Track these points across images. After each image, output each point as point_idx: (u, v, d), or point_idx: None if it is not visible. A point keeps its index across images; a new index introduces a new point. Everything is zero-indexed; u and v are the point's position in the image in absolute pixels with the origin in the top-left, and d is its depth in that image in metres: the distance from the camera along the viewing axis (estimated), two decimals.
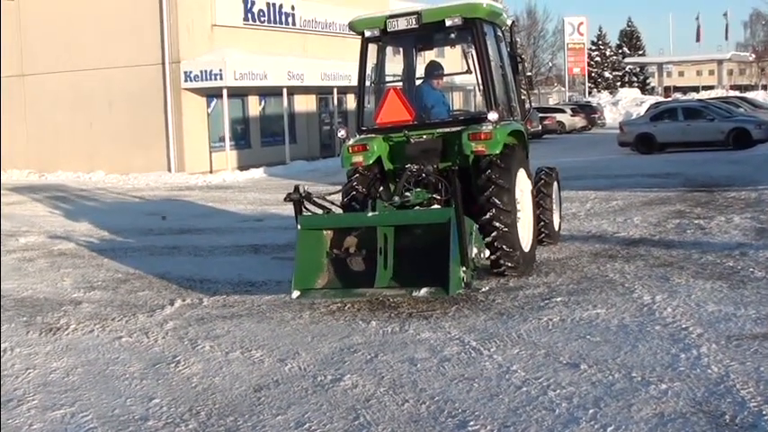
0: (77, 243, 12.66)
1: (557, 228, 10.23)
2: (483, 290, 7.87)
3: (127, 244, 12.49)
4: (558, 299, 7.48)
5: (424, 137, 8.67)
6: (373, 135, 8.81)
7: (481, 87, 8.62)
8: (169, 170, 25.64)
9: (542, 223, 9.65)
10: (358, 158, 8.58)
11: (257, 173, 25.66)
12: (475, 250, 7.38)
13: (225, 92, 25.71)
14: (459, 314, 7.11)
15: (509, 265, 8.21)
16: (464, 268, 6.95)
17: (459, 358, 5.94)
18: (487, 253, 7.78)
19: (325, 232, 7.68)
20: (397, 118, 8.64)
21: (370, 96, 9.30)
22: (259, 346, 6.59)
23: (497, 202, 8.03)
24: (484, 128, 8.25)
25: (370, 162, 8.61)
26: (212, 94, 26.36)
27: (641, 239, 10.38)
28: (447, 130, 8.70)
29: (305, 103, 31.10)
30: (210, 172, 25.89)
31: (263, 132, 29.17)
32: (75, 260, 11.13)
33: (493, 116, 8.27)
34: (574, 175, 18.42)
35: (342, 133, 8.84)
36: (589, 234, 11.01)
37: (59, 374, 6.11)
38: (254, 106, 28.94)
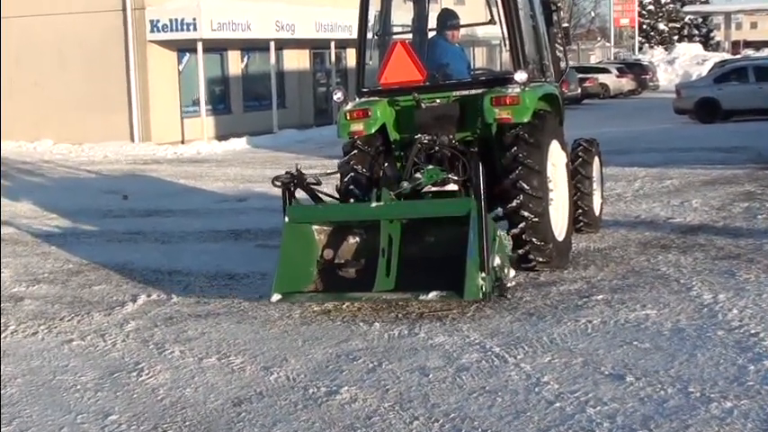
0: (18, 227, 12.69)
1: (597, 212, 10.19)
2: (508, 285, 7.86)
3: (80, 229, 12.50)
4: (600, 297, 7.46)
5: (438, 101, 8.61)
6: (376, 98, 8.75)
7: (507, 41, 8.57)
8: (132, 140, 25.65)
9: (579, 209, 9.62)
10: (357, 126, 8.52)
11: (239, 143, 25.65)
12: (497, 260, 7.23)
13: (200, 45, 25.66)
14: (480, 315, 7.11)
15: (540, 260, 8.20)
16: (483, 274, 6.87)
17: (480, 367, 5.93)
18: (512, 273, 7.70)
19: (315, 230, 7.68)
20: (406, 78, 8.59)
21: (373, 51, 9.25)
22: (239, 351, 6.59)
23: (525, 186, 7.97)
24: (510, 91, 8.20)
25: (372, 131, 8.55)
26: (184, 48, 26.31)
27: (701, 226, 10.35)
28: (465, 92, 8.66)
29: (296, 60, 31.06)
30: (182, 142, 25.90)
31: (245, 95, 29.15)
32: (15, 248, 11.16)
33: (521, 76, 8.20)
34: (619, 148, 18.36)
35: (338, 96, 8.74)
36: (637, 219, 10.98)
37: None
38: (236, 63, 28.91)
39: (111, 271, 9.60)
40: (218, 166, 20.53)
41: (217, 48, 27.33)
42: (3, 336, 7.29)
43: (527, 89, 8.25)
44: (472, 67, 10.64)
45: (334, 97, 8.80)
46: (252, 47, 28.66)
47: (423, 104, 8.55)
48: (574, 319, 6.87)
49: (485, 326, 6.84)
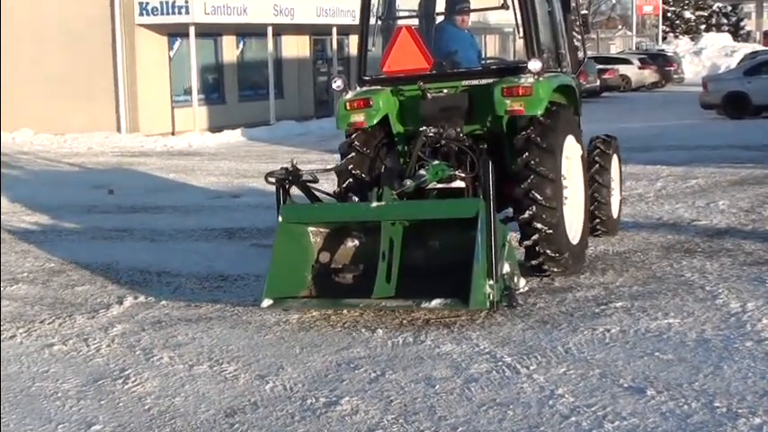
0: None
1: (615, 214, 10.17)
2: (521, 290, 7.86)
3: (62, 225, 12.52)
4: (619, 304, 7.47)
5: (445, 91, 8.60)
6: (379, 87, 8.72)
7: (520, 28, 8.55)
8: (119, 130, 25.67)
9: (596, 203, 9.58)
10: (358, 117, 8.48)
11: (233, 136, 25.68)
12: (507, 268, 7.17)
13: (192, 30, 25.68)
14: (491, 322, 7.12)
15: (555, 270, 8.23)
16: (491, 282, 6.86)
17: (490, 378, 5.93)
18: (523, 282, 7.62)
19: (311, 231, 7.65)
20: (411, 65, 8.58)
21: (376, 37, 9.23)
22: (233, 358, 6.60)
23: (538, 196, 7.92)
24: (522, 81, 8.16)
25: (374, 123, 8.52)
26: (176, 33, 26.33)
27: (728, 230, 10.35)
28: (475, 82, 8.63)
29: (296, 47, 31.07)
30: (172, 134, 25.92)
31: (241, 84, 29.17)
32: None
33: (535, 65, 8.16)
34: (641, 145, 18.35)
35: (338, 84, 8.73)
36: (660, 221, 10.98)
37: None
38: (231, 49, 28.91)
39: (96, 271, 9.61)
40: (211, 160, 20.54)
41: (210, 33, 27.34)
42: None
43: (541, 79, 8.21)
44: (483, 55, 10.65)
45: (334, 85, 8.79)
46: (248, 32, 28.67)
47: (429, 94, 8.51)
48: (591, 328, 6.87)
49: (495, 334, 6.84)
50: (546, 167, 7.98)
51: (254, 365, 6.42)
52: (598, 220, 9.70)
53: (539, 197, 7.93)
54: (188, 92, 26.60)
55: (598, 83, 38.37)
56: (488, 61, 10.45)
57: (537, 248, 8.03)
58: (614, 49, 68.61)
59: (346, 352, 6.61)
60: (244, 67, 29.32)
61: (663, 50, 53.74)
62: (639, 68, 43.93)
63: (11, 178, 18.19)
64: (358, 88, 8.86)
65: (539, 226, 7.95)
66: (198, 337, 7.13)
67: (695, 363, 6.04)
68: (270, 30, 28.15)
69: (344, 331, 7.10)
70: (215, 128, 26.54)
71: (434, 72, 8.67)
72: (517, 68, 8.55)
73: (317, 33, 31.36)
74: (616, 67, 42.66)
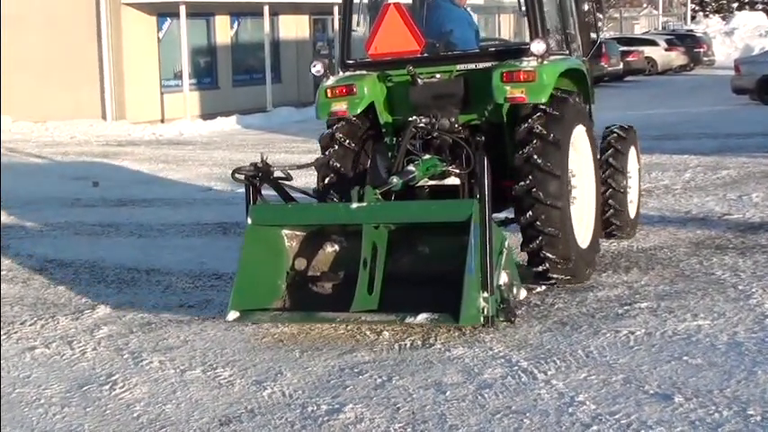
0: None
1: (633, 214, 9.88)
2: (538, 290, 7.86)
3: (43, 219, 12.55)
4: (644, 304, 7.47)
5: (438, 76, 8.34)
6: (364, 72, 8.50)
7: (523, 4, 8.36)
8: (104, 118, 25.73)
9: (611, 210, 9.35)
10: (340, 106, 8.22)
11: (227, 123, 25.72)
12: (504, 277, 6.89)
13: (182, 9, 25.72)
14: (505, 324, 7.12)
15: (561, 277, 7.96)
16: (485, 294, 6.63)
17: (505, 384, 5.94)
18: (523, 293, 7.33)
19: (286, 235, 7.46)
20: (399, 47, 8.34)
21: (361, 15, 9.02)
22: (227, 362, 6.62)
23: (541, 195, 7.62)
24: (524, 64, 7.89)
25: (358, 111, 8.26)
26: (165, 12, 26.37)
27: (762, 224, 10.34)
28: (472, 66, 8.36)
29: (294, 27, 31.09)
30: (162, 121, 25.98)
31: (235, 67, 29.20)
32: None
33: (538, 47, 7.88)
34: (668, 132, 18.34)
35: (317, 69, 8.45)
36: (688, 215, 10.98)
37: None
38: (224, 30, 28.94)
39: (80, 269, 9.64)
40: (204, 149, 20.57)
41: (202, 12, 27.39)
42: None
43: (545, 63, 7.91)
44: (481, 35, 10.25)
45: (313, 70, 8.49)
46: (243, 11, 28.71)
47: (419, 80, 8.22)
48: (613, 330, 6.87)
49: (510, 336, 6.85)
50: (550, 163, 7.67)
51: (251, 370, 6.42)
52: (613, 226, 9.47)
53: (542, 196, 7.62)
54: (178, 76, 26.65)
55: (621, 66, 38.38)
56: (487, 42, 10.08)
57: (541, 254, 7.77)
58: (639, 30, 68.48)
59: (350, 356, 6.61)
60: (238, 49, 29.36)
61: (691, 31, 53.72)
62: (666, 50, 43.91)
63: None
64: (340, 73, 8.65)
65: (542, 228, 7.69)
66: (190, 340, 7.14)
67: (727, 368, 6.03)
68: (266, 9, 28.18)
69: (348, 334, 7.11)
70: (207, 115, 26.58)
71: (426, 55, 8.44)
72: (519, 51, 8.36)
73: (318, 12, 31.38)
74: (641, 48, 42.65)
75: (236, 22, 29.25)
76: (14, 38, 26.15)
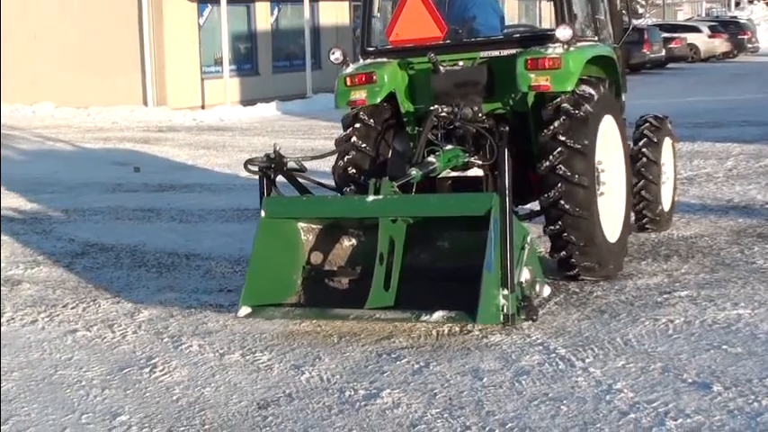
0: (14, 203, 12.86)
1: (667, 207, 9.61)
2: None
3: (85, 205, 12.65)
4: (683, 293, 7.44)
5: (461, 63, 8.16)
6: (384, 60, 8.29)
7: None
8: (145, 104, 25.85)
9: (644, 202, 9.14)
10: (359, 95, 7.99)
11: (267, 109, 25.76)
12: (526, 274, 6.64)
13: None
14: (543, 311, 7.10)
15: (584, 264, 7.62)
16: (505, 291, 6.42)
17: (542, 371, 5.94)
18: (547, 290, 6.95)
19: (302, 228, 7.32)
20: (421, 33, 8.13)
21: (383, 1, 8.91)
22: (266, 346, 6.66)
23: (567, 171, 7.37)
24: (549, 51, 7.65)
25: (378, 101, 8.06)
26: (206, 0, 26.41)
27: None
28: (496, 53, 8.15)
29: (334, 13, 31.06)
30: (202, 107, 26.06)
31: (275, 54, 29.23)
32: (12, 225, 11.31)
33: (564, 33, 7.61)
34: (710, 120, 18.19)
35: (336, 56, 8.23)
36: (729, 204, 10.91)
37: None
38: (264, 17, 28.98)
39: (121, 253, 9.72)
40: (243, 135, 20.63)
41: None
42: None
43: (572, 49, 7.64)
44: (506, 21, 9.92)
45: (332, 57, 8.29)
46: None
47: (441, 68, 8.01)
48: (652, 318, 6.85)
49: (548, 324, 6.84)
50: (576, 139, 7.43)
51: (289, 355, 6.47)
52: (646, 219, 9.28)
53: (567, 172, 7.39)
54: (219, 62, 26.72)
55: (663, 53, 38.06)
56: (512, 29, 9.82)
57: (564, 235, 7.52)
58: (682, 16, 67.85)
59: (387, 342, 6.64)
60: (278, 35, 29.38)
61: (735, 17, 53.14)
62: (709, 37, 43.47)
63: (32, 154, 18.40)
64: (361, 61, 8.45)
65: (566, 207, 7.40)
66: (229, 325, 7.18)
67: (767, 357, 6.00)
68: None
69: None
70: (247, 101, 26.62)
71: (448, 41, 8.22)
72: (545, 37, 8.09)
73: None
74: (683, 35, 42.26)
75: (277, 9, 29.28)
76: (58, 27, 26.37)
